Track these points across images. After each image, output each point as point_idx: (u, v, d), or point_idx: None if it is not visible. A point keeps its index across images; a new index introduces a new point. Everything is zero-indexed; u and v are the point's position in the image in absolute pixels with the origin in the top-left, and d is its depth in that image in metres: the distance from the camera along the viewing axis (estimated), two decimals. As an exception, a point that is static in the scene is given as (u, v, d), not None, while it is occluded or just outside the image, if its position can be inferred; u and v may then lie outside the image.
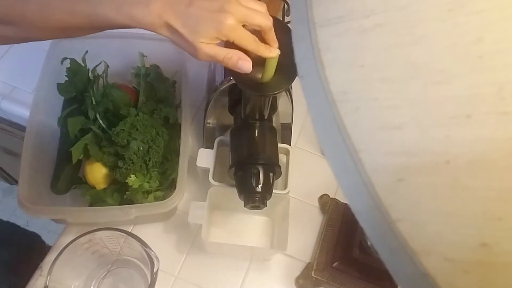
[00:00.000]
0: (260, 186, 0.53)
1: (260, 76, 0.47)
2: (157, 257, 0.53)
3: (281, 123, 0.69)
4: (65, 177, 0.66)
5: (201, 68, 0.79)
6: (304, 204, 0.71)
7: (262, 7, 0.44)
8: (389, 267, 0.19)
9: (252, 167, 0.53)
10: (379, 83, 0.20)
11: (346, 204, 0.65)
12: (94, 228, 0.54)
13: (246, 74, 0.46)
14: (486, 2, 0.19)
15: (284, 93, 0.62)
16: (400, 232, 0.18)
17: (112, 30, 0.84)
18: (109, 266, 0.63)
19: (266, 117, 0.57)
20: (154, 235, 0.66)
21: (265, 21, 0.43)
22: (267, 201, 0.54)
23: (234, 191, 0.56)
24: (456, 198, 0.18)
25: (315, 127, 0.21)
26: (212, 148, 0.63)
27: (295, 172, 0.63)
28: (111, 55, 0.71)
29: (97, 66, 0.69)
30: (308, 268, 0.64)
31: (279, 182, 0.62)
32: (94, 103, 0.65)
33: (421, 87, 0.19)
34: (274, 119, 0.61)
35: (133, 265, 0.62)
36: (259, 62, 0.46)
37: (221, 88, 0.60)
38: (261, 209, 0.55)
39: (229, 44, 0.43)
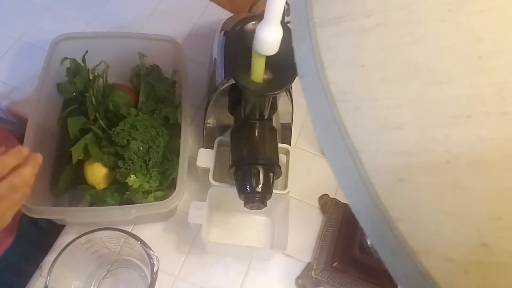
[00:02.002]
0: (260, 186, 0.53)
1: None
2: (157, 257, 0.53)
3: (281, 123, 0.69)
4: (65, 177, 0.66)
5: (201, 68, 0.79)
6: (304, 204, 0.71)
7: None
8: (389, 267, 0.19)
9: (252, 167, 0.53)
10: (379, 83, 0.20)
11: (346, 204, 0.65)
12: (94, 228, 0.54)
13: (246, 73, 0.46)
14: (486, 2, 0.19)
15: (284, 93, 0.62)
16: (400, 232, 0.18)
17: (112, 30, 0.84)
18: (109, 266, 0.63)
19: (266, 117, 0.57)
20: (154, 235, 0.66)
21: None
22: (267, 201, 0.54)
23: (234, 191, 0.56)
24: (456, 198, 0.18)
25: (315, 127, 0.21)
26: (212, 148, 0.63)
27: (295, 172, 0.63)
28: (111, 55, 0.71)
29: (97, 66, 0.69)
30: (308, 268, 0.64)
31: (279, 182, 0.62)
32: (94, 103, 0.65)
33: (421, 87, 0.19)
34: (274, 119, 0.61)
35: (133, 265, 0.62)
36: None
37: (221, 88, 0.60)
38: (261, 209, 0.55)
39: None
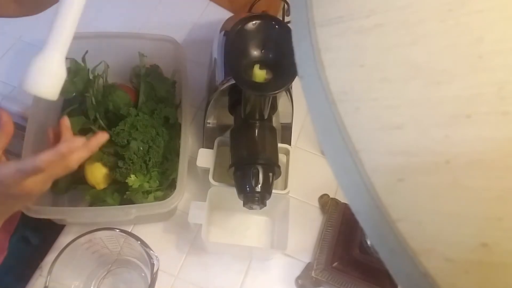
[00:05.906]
0: (259, 186, 0.53)
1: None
2: (157, 257, 0.53)
3: (281, 123, 0.69)
4: (65, 177, 0.65)
5: (201, 68, 0.79)
6: (304, 204, 0.71)
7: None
8: (389, 267, 0.19)
9: (252, 167, 0.53)
10: (379, 83, 0.20)
11: (346, 204, 0.65)
12: (94, 228, 0.54)
13: (246, 73, 0.46)
14: (486, 2, 0.19)
15: (284, 93, 0.62)
16: (400, 232, 0.18)
17: (112, 30, 0.84)
18: (109, 266, 0.63)
19: (266, 117, 0.57)
20: (154, 235, 0.66)
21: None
22: (267, 201, 0.54)
23: (234, 191, 0.56)
24: (456, 198, 0.18)
25: (315, 127, 0.21)
26: (212, 148, 0.63)
27: (295, 172, 0.63)
28: (111, 55, 0.70)
29: (97, 66, 0.69)
30: (308, 268, 0.64)
31: (279, 182, 0.62)
32: (94, 103, 0.65)
33: (421, 87, 0.19)
34: (274, 119, 0.61)
35: (133, 265, 0.62)
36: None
37: (221, 88, 0.60)
38: (260, 209, 0.55)
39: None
